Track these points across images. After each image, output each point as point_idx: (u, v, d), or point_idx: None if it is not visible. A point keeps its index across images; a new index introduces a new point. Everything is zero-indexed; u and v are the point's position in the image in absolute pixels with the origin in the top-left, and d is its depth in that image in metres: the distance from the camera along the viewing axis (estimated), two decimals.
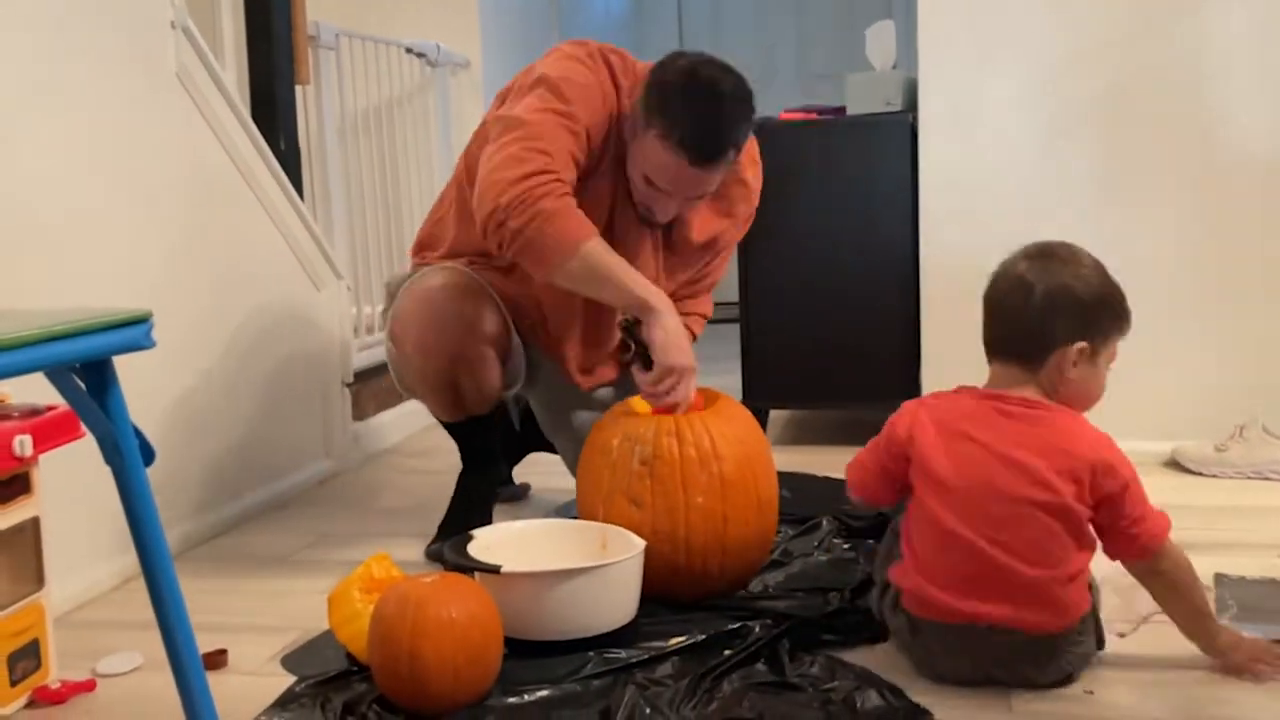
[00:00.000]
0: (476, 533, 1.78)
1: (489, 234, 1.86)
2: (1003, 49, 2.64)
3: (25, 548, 1.57)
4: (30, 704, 1.55)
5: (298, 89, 2.95)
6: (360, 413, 2.97)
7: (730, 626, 1.67)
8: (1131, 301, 2.57)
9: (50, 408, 1.52)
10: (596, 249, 1.84)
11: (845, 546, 2.04)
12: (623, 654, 1.59)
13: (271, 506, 2.53)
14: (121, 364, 1.21)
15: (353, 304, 2.92)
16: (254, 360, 2.51)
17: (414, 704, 1.46)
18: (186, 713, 1.29)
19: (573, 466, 2.27)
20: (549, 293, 2.08)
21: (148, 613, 1.27)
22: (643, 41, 5.56)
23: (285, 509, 2.53)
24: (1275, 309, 2.57)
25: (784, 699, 1.48)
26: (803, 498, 2.29)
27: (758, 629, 1.65)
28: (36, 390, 1.43)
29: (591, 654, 1.59)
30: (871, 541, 2.04)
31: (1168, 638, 1.59)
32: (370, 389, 3.01)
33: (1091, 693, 1.49)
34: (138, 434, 1.22)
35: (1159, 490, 1.80)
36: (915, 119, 2.75)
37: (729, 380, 2.92)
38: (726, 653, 1.59)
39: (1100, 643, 1.56)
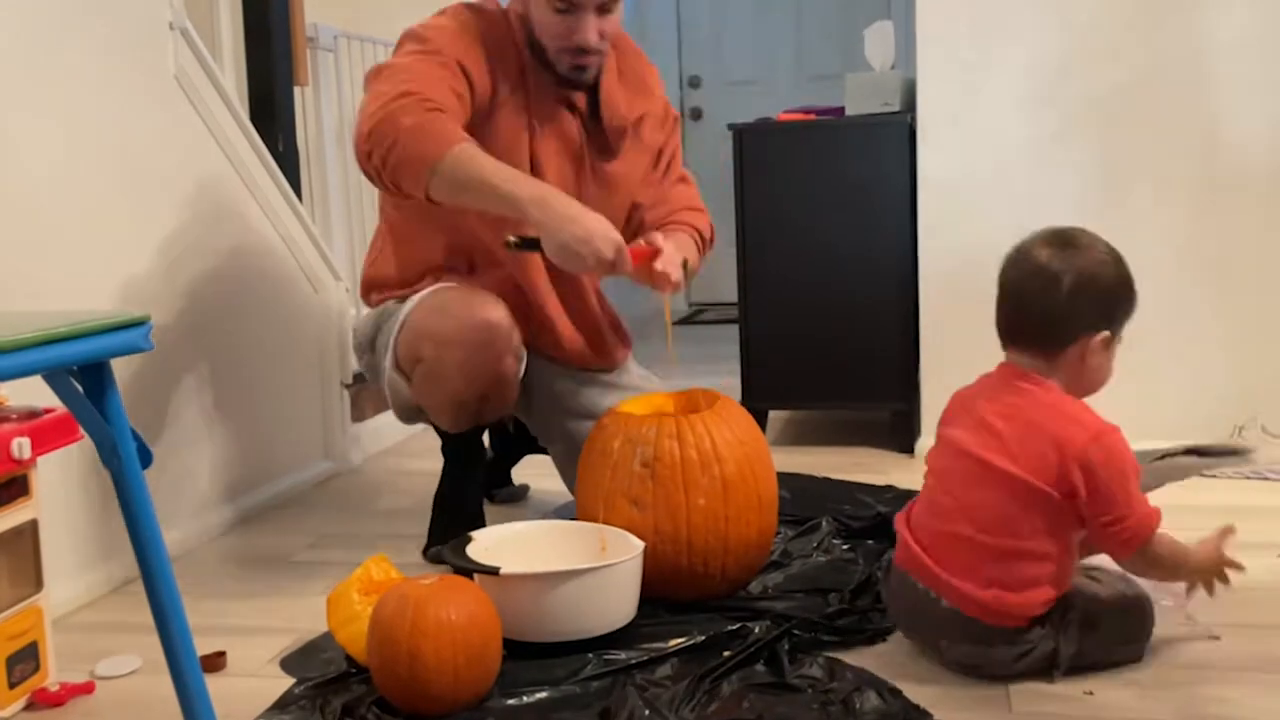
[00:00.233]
0: (476, 534, 1.78)
1: (364, 171, 1.87)
2: (1001, 50, 2.64)
3: (24, 550, 1.57)
4: (29, 706, 1.55)
5: (296, 90, 2.95)
6: (359, 414, 2.97)
7: (729, 628, 1.67)
8: None
9: (48, 410, 1.52)
10: (462, 154, 1.79)
11: (844, 547, 2.04)
12: (622, 655, 1.60)
13: (270, 508, 2.53)
14: (119, 365, 1.21)
15: (351, 305, 2.92)
16: (252, 362, 2.51)
17: (413, 706, 1.46)
18: (185, 715, 1.29)
19: (565, 476, 2.28)
20: (523, 271, 2.09)
21: (146, 615, 1.27)
22: (642, 42, 5.56)
23: (284, 510, 2.53)
24: (1274, 310, 2.57)
25: (783, 700, 1.48)
26: (802, 499, 2.29)
27: (757, 630, 1.66)
28: (34, 393, 1.43)
29: (591, 655, 1.59)
30: (871, 542, 2.04)
31: (1167, 637, 1.59)
32: (369, 390, 3.01)
33: (1091, 693, 1.49)
34: (135, 437, 1.22)
35: (1157, 490, 1.80)
36: (914, 120, 2.75)
37: (729, 381, 2.93)
38: (726, 654, 1.59)
39: (1050, 675, 1.52)
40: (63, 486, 1.90)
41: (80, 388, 1.20)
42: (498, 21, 2.06)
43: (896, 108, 2.85)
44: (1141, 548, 1.49)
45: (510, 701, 1.49)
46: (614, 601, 1.66)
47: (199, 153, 2.34)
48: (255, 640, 1.75)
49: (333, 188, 3.09)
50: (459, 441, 2.17)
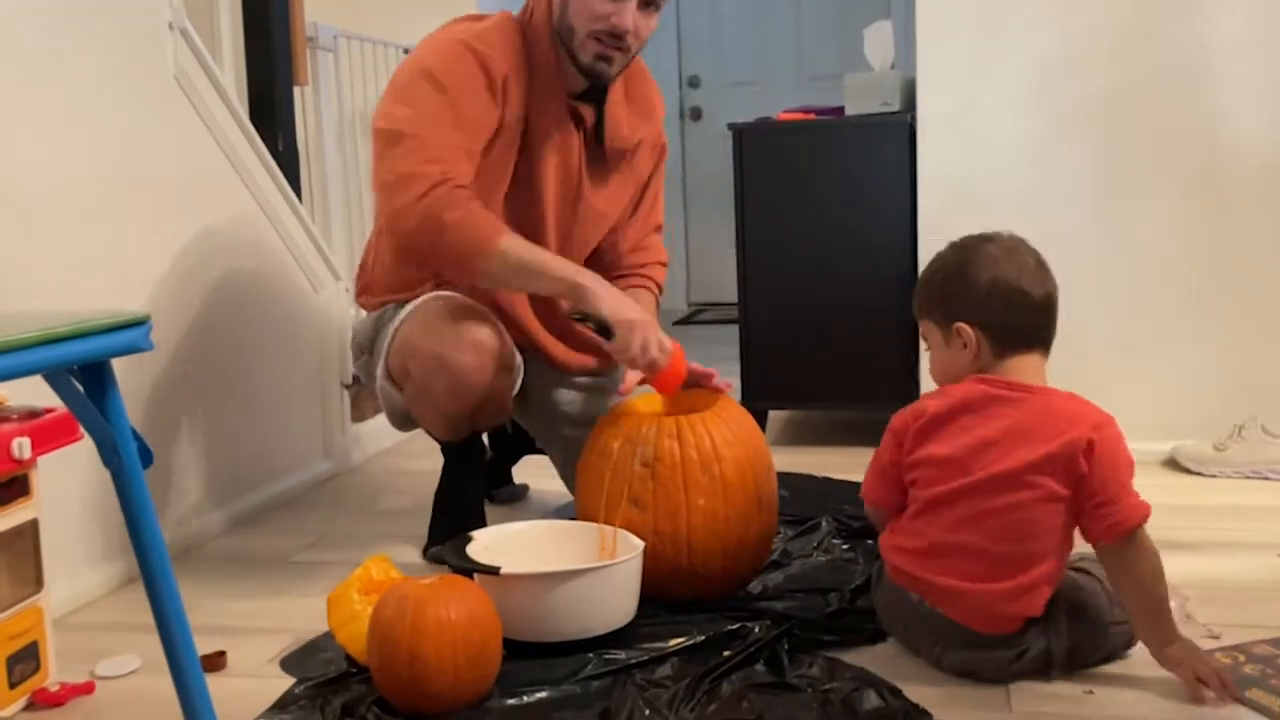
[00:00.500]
0: (475, 534, 1.78)
1: (406, 262, 1.93)
2: (1001, 49, 2.64)
3: (24, 550, 1.57)
4: (29, 706, 1.55)
5: (296, 90, 2.96)
6: (359, 414, 2.97)
7: (729, 627, 1.67)
8: (1130, 301, 2.60)
9: (49, 410, 1.52)
10: (511, 245, 1.85)
11: (844, 547, 2.04)
12: (622, 655, 1.59)
13: (270, 508, 2.53)
14: (120, 365, 1.21)
15: (351, 305, 2.92)
16: (252, 362, 2.51)
17: (413, 705, 1.46)
18: (185, 715, 1.29)
19: (564, 477, 2.28)
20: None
21: (146, 615, 1.27)
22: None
23: (284, 510, 2.53)
24: (1274, 309, 2.57)
25: (783, 700, 1.48)
26: (802, 498, 2.29)
27: (757, 630, 1.66)
28: (35, 392, 1.43)
29: (591, 655, 1.59)
30: (871, 541, 2.04)
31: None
32: (369, 390, 3.01)
33: (1091, 692, 1.49)
34: (136, 436, 1.22)
35: (1157, 490, 1.80)
36: (913, 119, 2.75)
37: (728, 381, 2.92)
38: (726, 654, 1.59)
39: (1045, 674, 1.53)
40: (63, 486, 1.90)
41: (81, 387, 1.20)
42: (515, 37, 2.01)
43: (896, 107, 2.85)
44: (1131, 534, 1.47)
45: (510, 701, 1.49)
46: (614, 601, 1.66)
47: (198, 152, 2.34)
48: (255, 640, 1.75)
49: (332, 187, 3.09)
50: (458, 443, 2.17)
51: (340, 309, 2.85)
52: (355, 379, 2.88)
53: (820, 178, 2.88)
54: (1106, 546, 1.49)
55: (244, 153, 2.46)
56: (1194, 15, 2.54)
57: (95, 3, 2.05)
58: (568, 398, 2.23)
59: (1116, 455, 1.49)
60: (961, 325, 1.58)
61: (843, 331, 2.88)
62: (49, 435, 1.51)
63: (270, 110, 2.83)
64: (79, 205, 2.00)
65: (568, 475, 2.24)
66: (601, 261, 2.21)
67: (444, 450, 2.19)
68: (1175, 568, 1.72)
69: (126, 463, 1.21)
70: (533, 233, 2.04)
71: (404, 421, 2.16)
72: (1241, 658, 1.54)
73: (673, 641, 1.63)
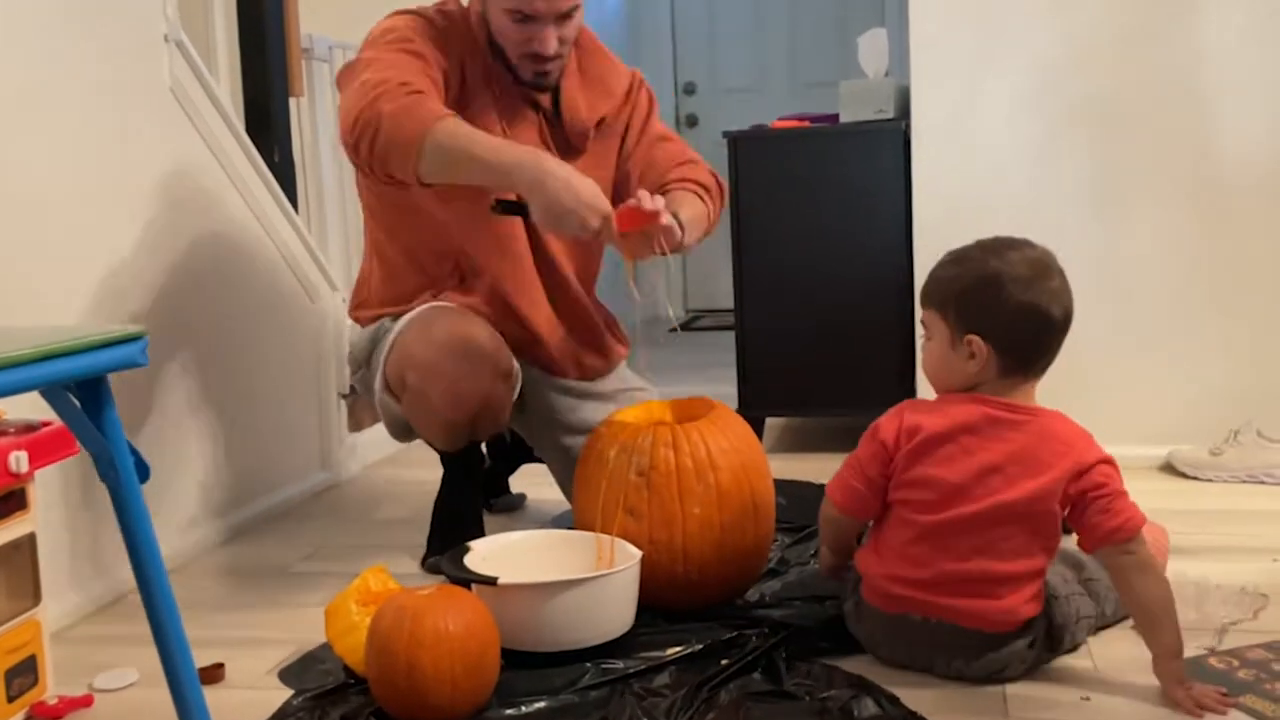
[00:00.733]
0: (473, 544, 1.78)
1: (355, 164, 1.86)
2: (995, 57, 2.65)
3: (21, 564, 1.57)
4: None
5: (291, 101, 2.96)
6: (356, 424, 2.96)
7: (727, 636, 1.67)
8: (1126, 306, 2.61)
9: (45, 424, 1.52)
10: (446, 128, 1.77)
11: None
12: (620, 664, 1.60)
13: (268, 519, 2.53)
14: (116, 379, 1.21)
15: (347, 315, 2.92)
16: (249, 373, 2.51)
17: (411, 716, 1.46)
18: None
19: (562, 486, 2.28)
20: (512, 280, 2.09)
21: (144, 628, 1.27)
22: (637, 52, 5.58)
23: (281, 521, 2.53)
24: (1270, 313, 2.57)
25: (781, 708, 1.48)
26: (799, 506, 2.29)
27: (754, 638, 1.66)
28: (32, 406, 1.43)
29: (589, 665, 1.59)
30: None
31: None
32: (366, 401, 3.01)
33: (1088, 699, 1.49)
34: (133, 451, 1.23)
35: (1153, 495, 1.81)
36: (908, 126, 2.76)
37: (725, 389, 2.93)
38: (724, 662, 1.59)
39: (1054, 648, 1.57)
40: (60, 500, 1.90)
41: (78, 402, 1.20)
42: (459, 21, 2.06)
43: (891, 115, 2.86)
44: (1139, 534, 1.47)
45: (509, 711, 1.49)
46: (612, 611, 1.66)
47: (195, 164, 2.34)
48: (253, 652, 1.75)
49: (329, 198, 3.09)
50: (457, 453, 2.17)
51: (336, 319, 2.86)
52: (352, 389, 2.88)
53: (816, 185, 2.88)
54: (1114, 549, 1.48)
55: (240, 164, 2.46)
56: (1190, 20, 2.55)
57: (91, 15, 2.05)
58: (566, 405, 2.23)
59: (1113, 467, 1.51)
60: (975, 339, 1.53)
61: (839, 338, 2.88)
62: (46, 449, 1.51)
63: (266, 121, 2.84)
64: (74, 217, 2.00)
65: (565, 484, 2.25)
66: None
67: (443, 461, 2.20)
68: (1171, 573, 1.73)
69: (123, 477, 1.21)
70: (524, 224, 2.05)
71: (404, 432, 2.17)
72: (1235, 663, 1.54)
73: (670, 650, 1.63)
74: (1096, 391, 2.54)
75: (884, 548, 1.59)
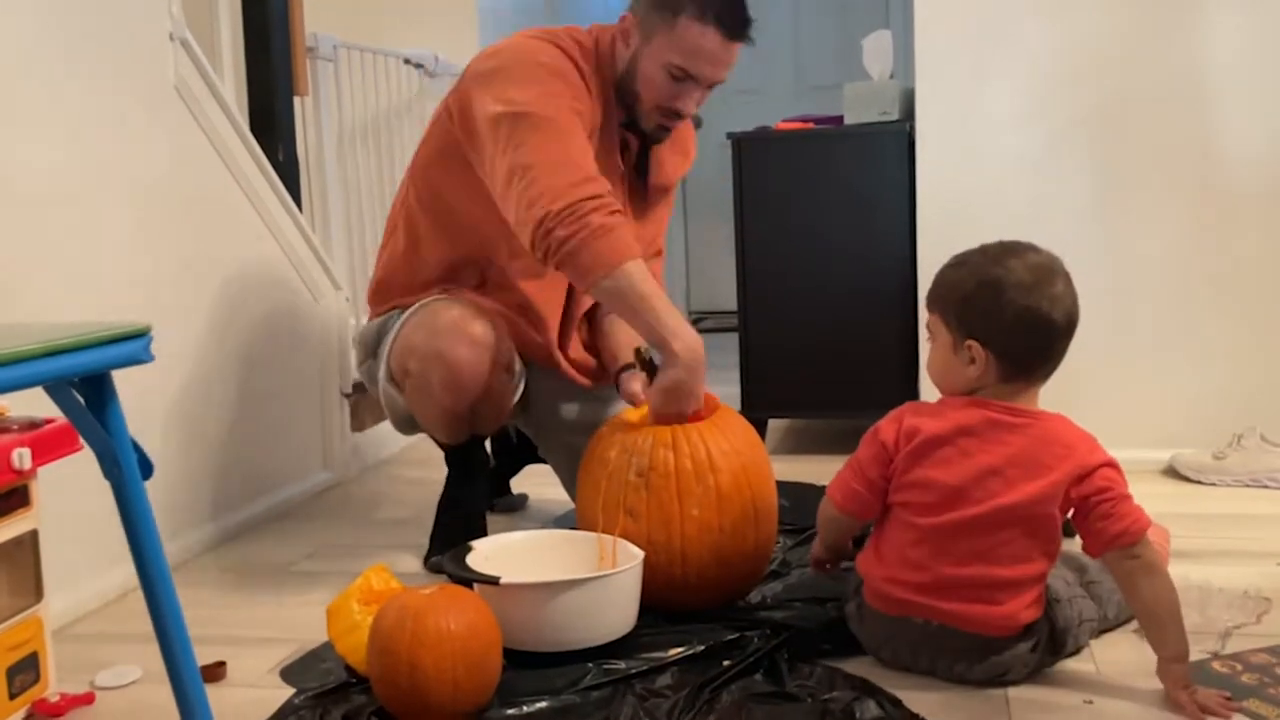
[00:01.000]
0: (475, 544, 1.78)
1: (535, 241, 1.85)
2: (999, 60, 2.65)
3: (24, 560, 1.57)
4: (29, 717, 1.55)
5: (296, 100, 2.96)
6: (359, 423, 2.97)
7: (729, 637, 1.67)
8: (1130, 310, 2.61)
9: (49, 420, 1.52)
10: (635, 272, 1.83)
11: None
12: (622, 665, 1.59)
13: (270, 518, 2.53)
14: (120, 376, 1.21)
15: (351, 314, 2.92)
16: (252, 371, 2.51)
17: (413, 716, 1.46)
18: None
19: (567, 486, 2.28)
20: (538, 291, 2.10)
21: (146, 625, 1.27)
22: None
23: (284, 520, 2.53)
24: (1272, 318, 2.57)
25: (783, 709, 1.48)
26: (801, 508, 2.28)
27: (756, 639, 1.65)
28: (35, 403, 1.43)
29: (591, 665, 1.59)
30: None
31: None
32: (369, 399, 3.01)
33: (1091, 702, 1.49)
34: (136, 448, 1.23)
35: (1157, 498, 1.81)
36: (912, 129, 2.75)
37: (727, 389, 2.92)
38: (725, 663, 1.59)
39: (1056, 651, 1.56)
40: (63, 497, 1.90)
41: (81, 399, 1.20)
42: (589, 57, 2.06)
43: (895, 117, 2.86)
44: (1145, 536, 1.47)
45: (510, 711, 1.49)
46: (614, 611, 1.66)
47: (199, 163, 2.35)
48: (255, 650, 1.75)
49: (333, 197, 3.09)
50: (461, 451, 2.17)
51: (340, 318, 2.86)
52: (355, 388, 2.89)
53: (819, 187, 2.88)
54: (1120, 552, 1.48)
55: (244, 163, 2.47)
56: (1192, 28, 2.55)
57: (96, 14, 2.05)
58: (571, 404, 2.23)
59: (1117, 470, 1.51)
60: (975, 344, 1.53)
61: (842, 340, 2.88)
62: (49, 446, 1.51)
63: (270, 120, 2.84)
64: (79, 215, 2.01)
65: (570, 484, 2.25)
66: None
67: (447, 459, 2.20)
68: (1174, 576, 1.72)
69: (127, 474, 1.21)
70: None
71: (407, 424, 2.17)
72: (1239, 667, 1.54)
73: (672, 651, 1.63)
74: (1100, 395, 2.54)
75: (885, 550, 1.59)
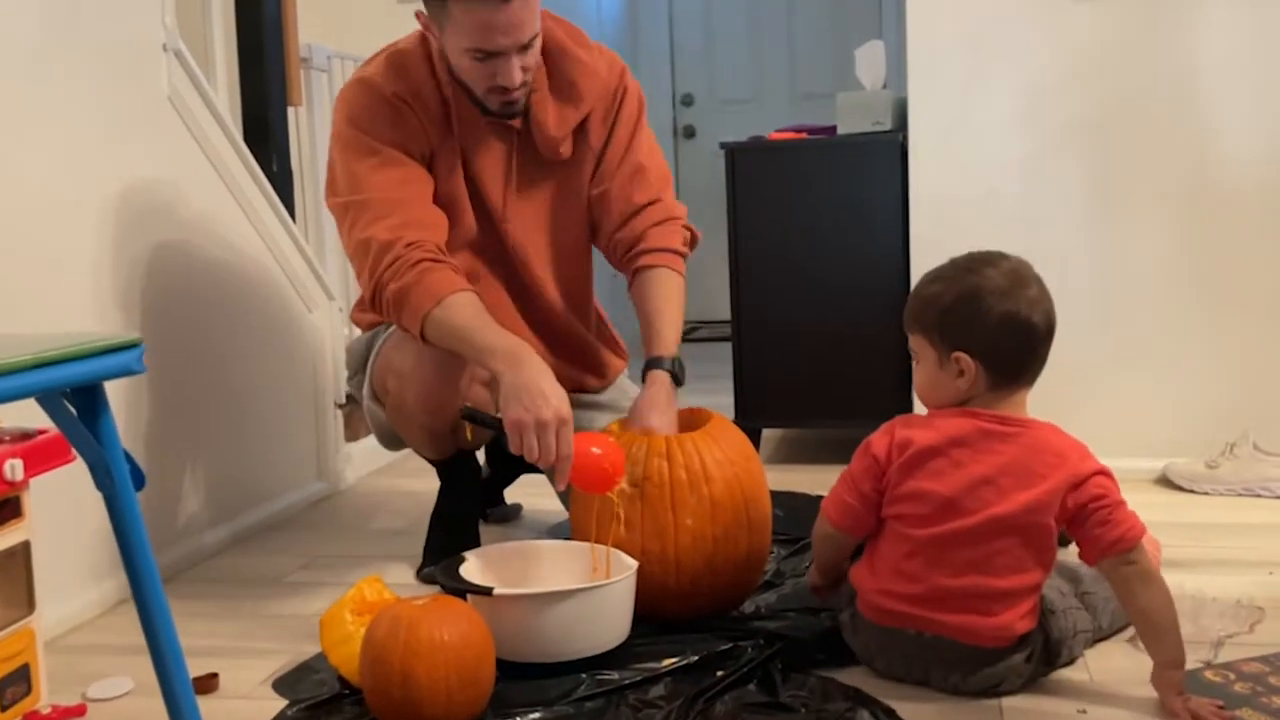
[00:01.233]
0: (468, 554, 1.78)
1: (380, 323, 2.01)
2: (992, 69, 2.66)
3: (16, 572, 1.57)
4: None
5: (290, 111, 2.96)
6: (352, 434, 2.97)
7: (723, 647, 1.67)
8: (1122, 319, 2.61)
9: (41, 431, 1.51)
10: (444, 315, 1.87)
11: None
12: (615, 675, 1.59)
13: (263, 529, 2.52)
14: (112, 387, 1.21)
15: (345, 325, 2.92)
16: (245, 382, 2.51)
17: None
18: None
19: (562, 498, 2.28)
20: (497, 312, 2.08)
21: (138, 637, 1.26)
22: (635, 63, 5.57)
23: (277, 531, 2.53)
24: (1266, 326, 2.58)
25: None
26: (795, 517, 2.29)
27: (750, 649, 1.65)
28: (27, 414, 1.43)
29: (584, 675, 1.59)
30: None
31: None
32: (363, 411, 3.01)
33: (1084, 711, 1.49)
34: (128, 459, 1.22)
35: (1150, 507, 1.80)
36: (905, 138, 2.76)
37: (722, 399, 2.93)
38: (719, 673, 1.59)
39: (1050, 662, 1.57)
40: (55, 508, 1.89)
41: (74, 410, 1.20)
42: (417, 65, 2.02)
43: (888, 126, 2.86)
44: (1139, 544, 1.48)
45: None
46: (607, 621, 1.66)
47: (192, 174, 2.35)
48: (248, 662, 1.75)
49: (326, 209, 3.09)
50: (452, 462, 2.17)
51: (334, 329, 2.86)
52: (349, 398, 2.88)
53: (813, 196, 2.89)
54: (1116, 560, 1.48)
55: (238, 174, 2.47)
56: (1183, 34, 2.56)
57: (89, 24, 2.05)
58: None
59: (1110, 478, 1.51)
60: (962, 355, 1.53)
61: (836, 349, 2.88)
62: (41, 457, 1.50)
63: (264, 131, 2.84)
64: (71, 226, 2.00)
65: (564, 493, 2.24)
66: (619, 237, 2.13)
67: (439, 471, 2.20)
68: (1168, 585, 1.73)
69: (119, 485, 1.21)
70: (500, 252, 2.07)
71: (391, 441, 2.17)
72: (1232, 676, 1.54)
73: (666, 661, 1.63)
74: (1092, 404, 2.55)
75: (878, 562, 1.59)
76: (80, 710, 1.59)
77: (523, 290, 2.15)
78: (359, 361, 2.18)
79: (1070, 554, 1.60)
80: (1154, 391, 2.61)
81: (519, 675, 1.59)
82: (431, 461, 2.19)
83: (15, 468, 1.45)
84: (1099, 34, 2.59)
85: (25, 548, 1.58)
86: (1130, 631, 1.66)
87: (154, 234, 2.22)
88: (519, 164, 2.09)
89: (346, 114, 2.02)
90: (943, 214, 2.70)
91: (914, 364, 1.63)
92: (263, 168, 2.59)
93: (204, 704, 1.33)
